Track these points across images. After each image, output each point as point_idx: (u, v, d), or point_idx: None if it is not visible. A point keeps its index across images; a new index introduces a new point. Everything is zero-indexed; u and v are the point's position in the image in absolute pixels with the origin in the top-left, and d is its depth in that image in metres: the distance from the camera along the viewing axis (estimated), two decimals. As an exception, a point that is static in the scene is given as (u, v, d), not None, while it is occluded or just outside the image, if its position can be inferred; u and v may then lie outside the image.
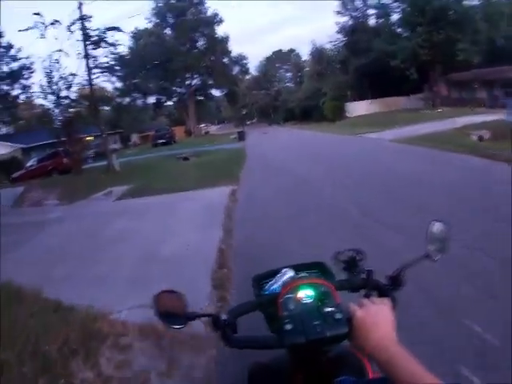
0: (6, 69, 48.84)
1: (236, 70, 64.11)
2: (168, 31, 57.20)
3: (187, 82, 59.14)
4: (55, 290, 5.02)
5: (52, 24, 18.87)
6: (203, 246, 6.27)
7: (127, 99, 55.84)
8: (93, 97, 21.16)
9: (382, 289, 1.30)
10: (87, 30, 20.02)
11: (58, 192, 16.50)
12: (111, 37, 20.85)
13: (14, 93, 31.69)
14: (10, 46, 49.72)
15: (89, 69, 20.46)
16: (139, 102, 58.62)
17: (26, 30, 19.06)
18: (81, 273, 6.07)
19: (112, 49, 21.19)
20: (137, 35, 54.18)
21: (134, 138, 59.26)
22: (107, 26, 20.62)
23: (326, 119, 48.26)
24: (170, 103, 66.06)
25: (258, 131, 51.40)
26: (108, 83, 23.50)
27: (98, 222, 9.97)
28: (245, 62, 63.35)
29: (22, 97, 25.85)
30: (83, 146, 23.64)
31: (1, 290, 5.02)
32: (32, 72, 20.86)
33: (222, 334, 1.19)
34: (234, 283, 4.86)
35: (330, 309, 1.11)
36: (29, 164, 31.14)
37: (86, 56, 20.35)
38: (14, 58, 44.71)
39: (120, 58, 22.89)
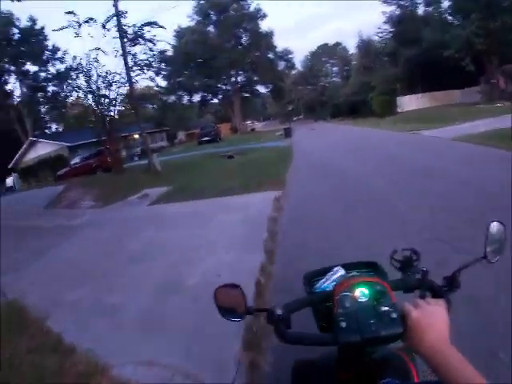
0: (53, 70, 50.56)
1: (281, 65, 62.81)
2: (211, 28, 56.68)
3: (232, 79, 58.44)
4: (62, 316, 4.72)
5: (86, 22, 18.11)
6: (238, 275, 4.90)
7: (172, 97, 56.07)
8: (132, 95, 20.27)
9: (437, 290, 1.25)
10: (123, 27, 19.10)
11: (94, 193, 15.92)
12: (147, 32, 19.82)
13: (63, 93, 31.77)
14: (56, 49, 50.77)
15: (127, 67, 19.54)
16: (185, 100, 58.53)
17: (61, 29, 18.35)
18: (90, 300, 5.15)
19: (150, 45, 20.18)
20: (179, 33, 53.81)
21: (181, 135, 59.12)
22: (143, 22, 19.63)
23: (375, 115, 46.17)
24: (215, 101, 65.56)
25: (304, 127, 49.88)
26: (152, 81, 21.18)
27: (124, 232, 8.85)
28: (290, 56, 61.84)
29: (71, 97, 25.25)
30: (125, 145, 22.98)
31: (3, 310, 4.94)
32: (79, 73, 20.15)
33: (276, 328, 1.17)
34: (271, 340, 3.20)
35: (385, 308, 1.08)
36: (73, 162, 31.14)
37: (124, 53, 19.44)
38: (61, 60, 45.76)
39: (160, 55, 21.82)
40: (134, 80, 20.37)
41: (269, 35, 56.88)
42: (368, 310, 1.10)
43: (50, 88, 50.87)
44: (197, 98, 60.28)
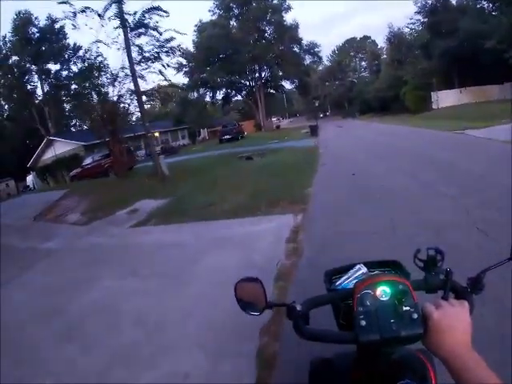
0: (75, 68, 49.31)
1: (307, 59, 59.50)
2: (234, 22, 53.96)
3: (256, 75, 55.55)
4: None
5: (83, 12, 15.74)
6: None
7: (194, 94, 53.78)
8: (138, 91, 17.72)
9: (461, 291, 1.22)
10: (124, 15, 16.57)
11: (86, 203, 13.76)
12: (149, 19, 17.20)
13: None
14: (78, 48, 49.41)
15: (130, 59, 17.04)
16: (207, 97, 56.25)
17: (56, 21, 16.24)
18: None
19: (156, 34, 17.58)
20: (201, 28, 51.39)
21: (203, 133, 56.72)
22: (145, 8, 17.00)
23: (407, 111, 43.77)
24: (239, 97, 62.77)
25: (332, 125, 47.20)
26: (161, 75, 18.40)
27: (77, 276, 6.25)
28: (317, 50, 57.90)
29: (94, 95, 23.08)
30: (145, 143, 20.74)
31: None
32: (102, 71, 18.11)
33: (295, 324, 1.16)
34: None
35: (406, 308, 1.06)
36: (85, 162, 29.02)
37: (127, 44, 16.97)
38: (83, 58, 44.44)
39: (182, 52, 19.15)
40: (139, 74, 17.85)
41: (293, 28, 53.59)
42: (389, 310, 1.07)
43: (73, 86, 49.66)
44: (220, 94, 57.60)
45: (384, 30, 79.26)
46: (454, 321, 1.00)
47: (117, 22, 16.65)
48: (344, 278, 1.42)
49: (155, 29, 17.22)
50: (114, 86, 18.19)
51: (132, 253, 7.13)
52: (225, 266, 5.43)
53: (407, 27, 52.96)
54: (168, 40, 18.01)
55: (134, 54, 17.35)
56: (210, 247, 6.45)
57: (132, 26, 16.81)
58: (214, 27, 49.60)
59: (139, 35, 17.51)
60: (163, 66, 18.33)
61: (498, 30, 31.44)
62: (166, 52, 18.51)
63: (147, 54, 17.92)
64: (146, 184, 15.66)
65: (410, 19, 49.67)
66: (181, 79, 63.70)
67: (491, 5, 37.21)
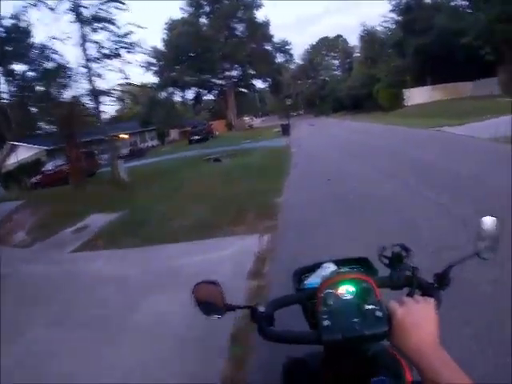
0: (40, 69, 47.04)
1: (279, 58, 58.26)
2: (204, 20, 52.27)
3: (227, 73, 53.95)
4: None
5: (34, 5, 14.17)
6: None
7: (164, 93, 52.04)
8: (94, 91, 16.12)
9: (427, 287, 1.22)
10: (79, 8, 14.98)
11: (36, 218, 11.99)
12: (106, 13, 15.61)
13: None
14: (44, 47, 47.01)
15: (85, 55, 15.47)
16: (178, 96, 54.54)
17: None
18: None
19: (115, 29, 16.00)
20: (171, 26, 49.55)
21: (173, 133, 54.78)
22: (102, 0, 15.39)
23: (380, 108, 43.09)
24: (210, 97, 61.09)
25: (304, 123, 46.25)
26: (121, 73, 16.61)
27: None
28: (288, 48, 56.83)
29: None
30: (110, 146, 19.08)
31: None
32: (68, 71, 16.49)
33: (258, 326, 1.14)
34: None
35: (370, 306, 1.04)
36: (46, 168, 27.00)
37: (83, 39, 15.40)
38: (49, 58, 42.16)
39: (130, 43, 17.45)
40: (96, 72, 16.27)
41: (265, 25, 52.34)
42: (352, 308, 1.06)
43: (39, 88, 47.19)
44: (191, 94, 55.91)
45: (357, 30, 79.61)
46: (418, 318, 0.96)
47: (72, 17, 15.08)
48: (312, 276, 1.41)
49: (112, 22, 15.63)
50: (68, 86, 16.54)
51: (66, 289, 5.74)
52: (166, 318, 4.09)
53: (381, 26, 52.58)
54: (126, 34, 16.39)
55: (92, 51, 15.75)
56: (155, 285, 5.14)
57: (87, 19, 15.19)
58: (183, 25, 47.94)
59: (95, 30, 15.93)
60: (129, 63, 16.76)
61: (475, 27, 30.86)
62: (126, 48, 16.92)
63: (106, 51, 16.33)
64: (99, 194, 14.13)
65: (384, 17, 49.26)
66: (150, 78, 61.67)
67: (467, 2, 36.51)
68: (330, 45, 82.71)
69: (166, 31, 50.59)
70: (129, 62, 17.48)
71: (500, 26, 29.26)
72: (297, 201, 8.54)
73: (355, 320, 1.02)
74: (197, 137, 39.90)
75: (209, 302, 1.22)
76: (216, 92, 57.22)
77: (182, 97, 54.96)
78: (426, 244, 4.71)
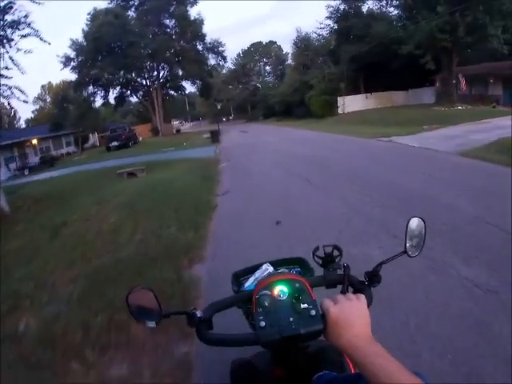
0: None
1: (211, 59, 53.60)
2: (132, 13, 47.02)
3: (154, 73, 49.41)
4: None
5: None
6: None
7: (85, 93, 46.77)
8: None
9: (358, 285, 1.24)
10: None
11: None
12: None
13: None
14: None
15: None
16: (99, 96, 49.14)
17: None
18: None
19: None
20: (94, 16, 43.58)
21: (93, 138, 49.06)
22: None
23: (313, 116, 41.25)
24: (135, 99, 55.88)
25: (235, 129, 43.20)
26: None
27: None
28: (221, 49, 52.16)
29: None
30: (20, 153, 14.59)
31: None
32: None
33: (196, 331, 1.13)
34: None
35: (304, 305, 1.07)
36: None
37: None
38: None
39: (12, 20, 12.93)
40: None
41: (198, 23, 47.84)
42: (287, 308, 1.07)
43: None
44: (114, 94, 50.60)
45: (291, 37, 78.19)
46: (351, 314, 0.99)
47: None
48: (251, 279, 1.41)
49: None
50: None
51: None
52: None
53: (315, 33, 51.90)
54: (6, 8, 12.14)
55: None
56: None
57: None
58: (107, 15, 42.13)
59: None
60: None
61: (416, 36, 30.07)
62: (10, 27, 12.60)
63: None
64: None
65: (320, 23, 48.29)
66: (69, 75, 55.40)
67: (406, 13, 35.48)
68: (263, 50, 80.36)
69: (88, 22, 44.81)
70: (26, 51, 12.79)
71: (442, 36, 28.70)
72: (223, 242, 5.54)
73: (291, 319, 1.02)
74: (116, 143, 35.07)
75: (143, 308, 1.14)
76: (142, 93, 51.89)
77: (104, 97, 49.33)
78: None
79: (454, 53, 31.45)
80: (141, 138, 45.65)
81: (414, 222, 1.31)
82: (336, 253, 1.28)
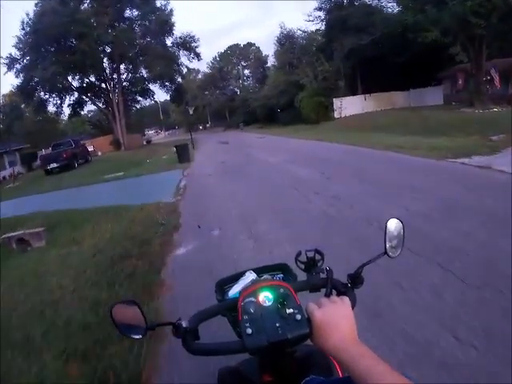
0: None
1: (183, 57, 43.01)
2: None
3: (114, 75, 39.56)
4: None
5: None
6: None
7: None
8: None
9: (342, 287, 1.21)
10: None
11: None
12: None
13: None
14: None
15: None
16: (51, 104, 39.22)
17: None
18: None
19: None
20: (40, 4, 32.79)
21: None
22: None
23: (305, 121, 33.14)
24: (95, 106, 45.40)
25: (213, 139, 34.74)
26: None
27: None
28: (194, 44, 41.70)
29: None
30: None
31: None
32: None
33: (183, 341, 1.09)
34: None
35: (290, 310, 1.03)
36: None
37: None
38: None
39: None
40: None
41: (166, 12, 37.69)
42: (273, 314, 1.04)
43: None
44: (69, 101, 40.67)
45: (269, 42, 71.64)
46: (335, 317, 0.97)
47: None
48: (235, 287, 1.37)
49: None
50: None
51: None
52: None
53: (299, 29, 44.90)
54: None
55: None
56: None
57: None
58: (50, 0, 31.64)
59: None
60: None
61: (443, 20, 22.53)
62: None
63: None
64: None
65: (309, 16, 40.08)
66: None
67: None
68: (240, 53, 71.61)
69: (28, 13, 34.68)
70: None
71: (477, 21, 21.12)
72: None
73: (277, 325, 0.99)
74: (55, 164, 25.55)
75: (128, 322, 1.10)
76: (103, 100, 41.71)
77: (60, 105, 39.32)
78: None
79: (484, 43, 23.70)
80: (100, 153, 36.20)
81: (393, 224, 1.27)
82: (318, 257, 1.24)
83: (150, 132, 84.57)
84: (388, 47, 31.63)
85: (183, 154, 17.96)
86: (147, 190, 11.63)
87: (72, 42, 33.06)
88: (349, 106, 33.80)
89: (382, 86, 34.18)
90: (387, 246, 1.24)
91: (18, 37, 34.21)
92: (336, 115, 34.08)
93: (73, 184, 16.35)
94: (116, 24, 35.58)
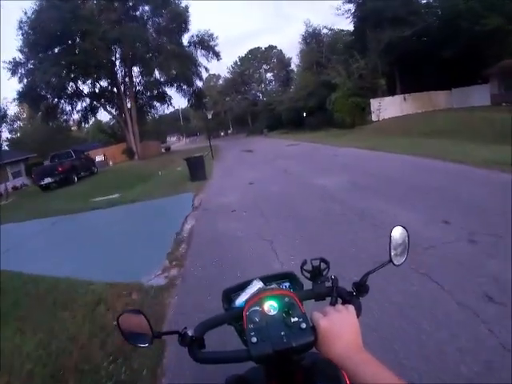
0: None
1: (201, 57, 38.22)
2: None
3: (125, 78, 35.28)
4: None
5: None
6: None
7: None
8: None
9: (347, 296, 1.20)
10: None
11: None
12: None
13: None
14: None
15: None
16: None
17: None
18: None
19: None
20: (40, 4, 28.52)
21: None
22: None
23: (337, 125, 29.24)
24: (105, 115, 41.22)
25: (236, 147, 30.31)
26: None
27: None
28: (213, 43, 37.02)
29: None
30: None
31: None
32: None
33: (189, 350, 1.09)
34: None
35: (295, 319, 1.03)
36: None
37: None
38: None
39: None
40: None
41: (179, 5, 33.19)
42: (278, 323, 1.03)
43: None
44: (81, 107, 36.59)
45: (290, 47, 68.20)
46: (340, 325, 0.97)
47: None
48: (241, 295, 1.33)
49: None
50: None
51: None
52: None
53: (325, 27, 42.14)
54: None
55: None
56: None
57: None
58: None
59: None
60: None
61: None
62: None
63: None
64: None
65: (338, 10, 36.07)
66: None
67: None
68: (262, 56, 67.18)
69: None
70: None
71: None
72: None
73: (282, 333, 0.99)
74: (49, 179, 21.05)
75: (135, 331, 1.10)
76: (116, 105, 37.38)
77: (70, 112, 35.48)
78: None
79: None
80: (111, 163, 32.08)
81: (398, 231, 1.25)
82: (323, 266, 1.21)
83: (173, 139, 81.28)
84: (432, 39, 28.45)
85: (197, 169, 13.13)
86: (130, 241, 7.01)
87: (74, 40, 28.90)
88: (386, 107, 29.45)
89: (422, 84, 30.42)
90: (392, 253, 1.21)
91: (21, 39, 30.48)
92: (374, 118, 29.57)
93: (49, 211, 11.97)
94: (124, 21, 30.94)
